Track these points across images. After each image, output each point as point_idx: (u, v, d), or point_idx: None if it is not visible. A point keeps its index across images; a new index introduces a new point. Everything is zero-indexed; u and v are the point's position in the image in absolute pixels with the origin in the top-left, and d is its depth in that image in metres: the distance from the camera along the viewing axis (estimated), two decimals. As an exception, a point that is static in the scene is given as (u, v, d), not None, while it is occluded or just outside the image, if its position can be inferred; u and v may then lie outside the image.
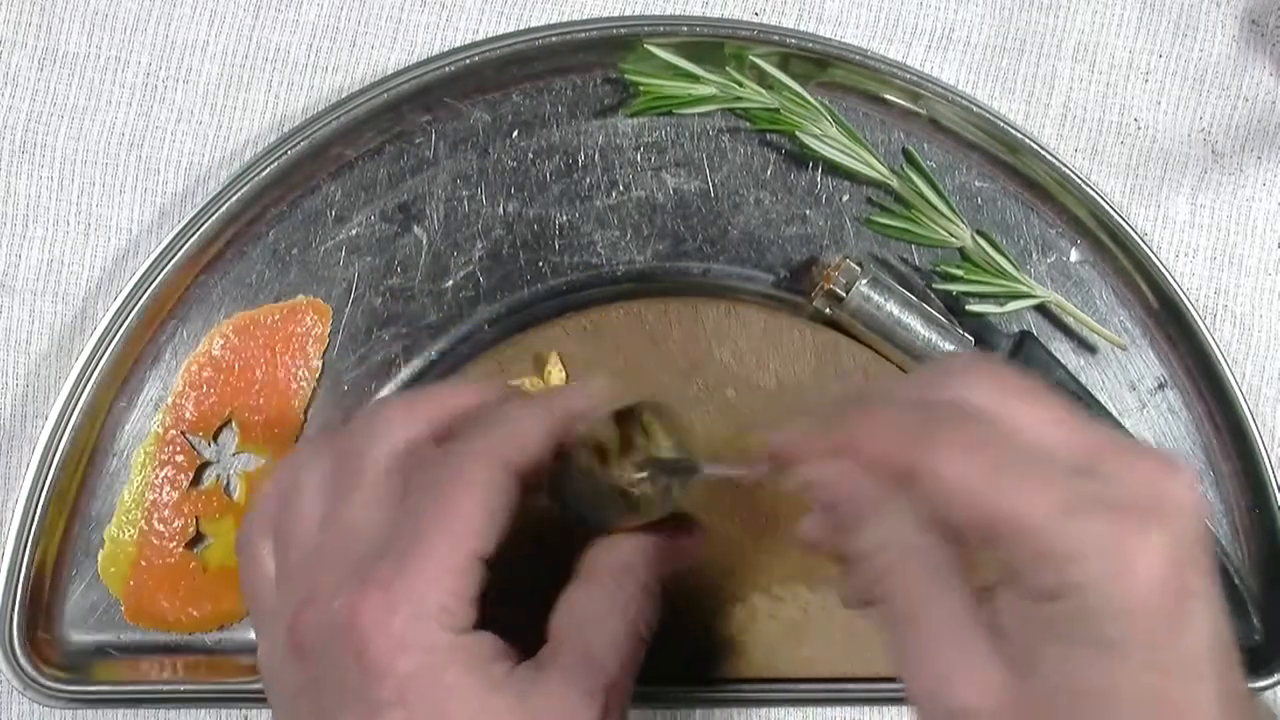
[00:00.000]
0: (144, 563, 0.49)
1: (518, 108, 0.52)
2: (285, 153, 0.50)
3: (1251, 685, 0.49)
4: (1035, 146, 0.51)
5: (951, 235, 0.51)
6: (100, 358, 0.49)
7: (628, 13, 0.53)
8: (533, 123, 0.52)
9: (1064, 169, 0.51)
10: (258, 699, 0.49)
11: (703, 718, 0.51)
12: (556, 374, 0.50)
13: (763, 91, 0.51)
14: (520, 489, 0.36)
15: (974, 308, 0.51)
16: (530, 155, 0.52)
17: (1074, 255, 0.52)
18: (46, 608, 0.49)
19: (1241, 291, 0.53)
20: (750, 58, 0.51)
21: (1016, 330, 0.52)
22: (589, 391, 0.39)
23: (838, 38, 0.53)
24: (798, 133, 0.51)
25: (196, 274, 0.50)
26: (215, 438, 0.51)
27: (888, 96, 0.52)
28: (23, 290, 0.52)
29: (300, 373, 0.51)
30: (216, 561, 0.50)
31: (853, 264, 0.50)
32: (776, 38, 0.51)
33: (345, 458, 0.37)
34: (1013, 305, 0.51)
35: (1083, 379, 0.51)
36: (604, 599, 0.38)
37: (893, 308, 0.50)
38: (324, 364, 0.51)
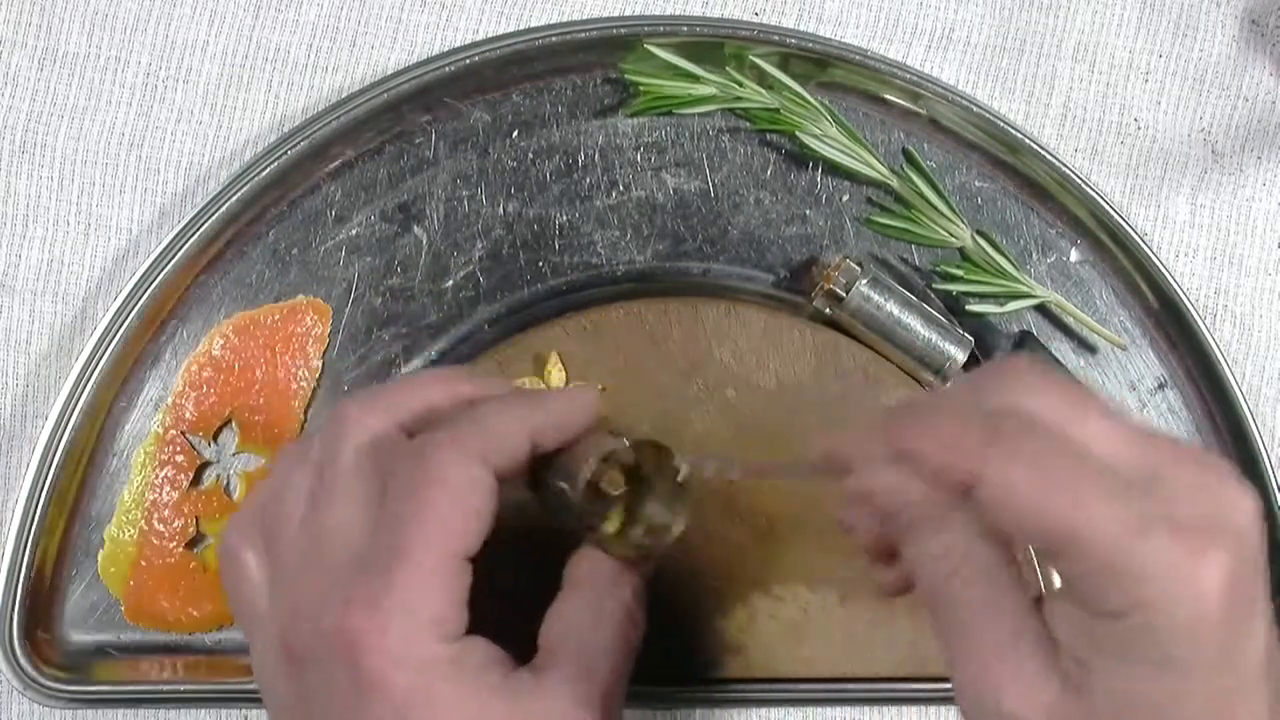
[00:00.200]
0: (144, 563, 0.49)
1: (518, 108, 0.52)
2: (285, 153, 0.50)
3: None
4: (1035, 146, 0.51)
5: (951, 235, 0.51)
6: (100, 358, 0.49)
7: (628, 13, 0.53)
8: (533, 123, 0.52)
9: (1064, 169, 0.51)
10: (257, 699, 0.48)
11: (702, 718, 0.51)
12: (556, 374, 0.50)
13: (763, 91, 0.51)
14: (498, 488, 0.36)
15: (974, 308, 0.51)
16: (530, 155, 0.52)
17: (1074, 255, 0.52)
18: (46, 608, 0.49)
19: (1241, 291, 0.53)
20: (750, 58, 0.51)
21: (1016, 330, 0.52)
22: (577, 405, 0.39)
23: (838, 38, 0.53)
24: (798, 133, 0.51)
25: (196, 274, 0.51)
26: (215, 438, 0.51)
27: (888, 96, 0.52)
28: (23, 290, 0.52)
29: (300, 373, 0.51)
30: (216, 562, 0.50)
31: (853, 264, 0.50)
32: (776, 38, 0.51)
33: (317, 461, 0.37)
34: (1013, 305, 0.51)
35: (1083, 379, 0.51)
36: (593, 608, 0.38)
37: (893, 308, 0.50)
38: (324, 364, 0.51)
